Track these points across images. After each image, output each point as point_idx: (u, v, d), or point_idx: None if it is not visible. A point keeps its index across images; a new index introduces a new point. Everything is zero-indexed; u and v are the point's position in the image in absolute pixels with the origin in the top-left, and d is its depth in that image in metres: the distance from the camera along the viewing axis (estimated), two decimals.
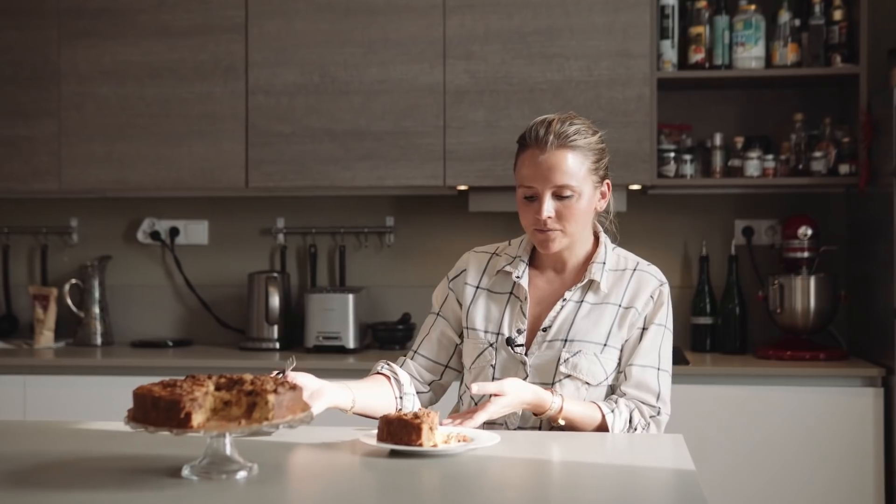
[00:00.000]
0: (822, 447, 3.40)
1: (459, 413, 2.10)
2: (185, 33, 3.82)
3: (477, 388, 2.03)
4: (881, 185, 3.48)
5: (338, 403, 2.04)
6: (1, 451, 1.91)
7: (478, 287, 2.29)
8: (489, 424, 2.11)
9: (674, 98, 3.88)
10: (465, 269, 2.32)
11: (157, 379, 1.75)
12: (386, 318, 4.06)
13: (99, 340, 4.07)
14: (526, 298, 2.23)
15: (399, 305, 4.04)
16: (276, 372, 1.93)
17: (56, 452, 1.89)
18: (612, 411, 2.12)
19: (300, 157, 3.78)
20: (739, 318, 3.80)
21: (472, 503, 1.61)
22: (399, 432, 1.83)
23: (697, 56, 3.73)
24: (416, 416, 1.85)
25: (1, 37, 3.90)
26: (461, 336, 2.30)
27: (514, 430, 2.16)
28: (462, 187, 3.82)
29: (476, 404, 2.16)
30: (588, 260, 2.25)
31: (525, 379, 2.16)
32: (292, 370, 1.98)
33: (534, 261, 2.29)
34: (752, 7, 3.71)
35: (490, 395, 2.04)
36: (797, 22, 3.72)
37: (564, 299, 2.21)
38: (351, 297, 3.86)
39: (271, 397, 1.61)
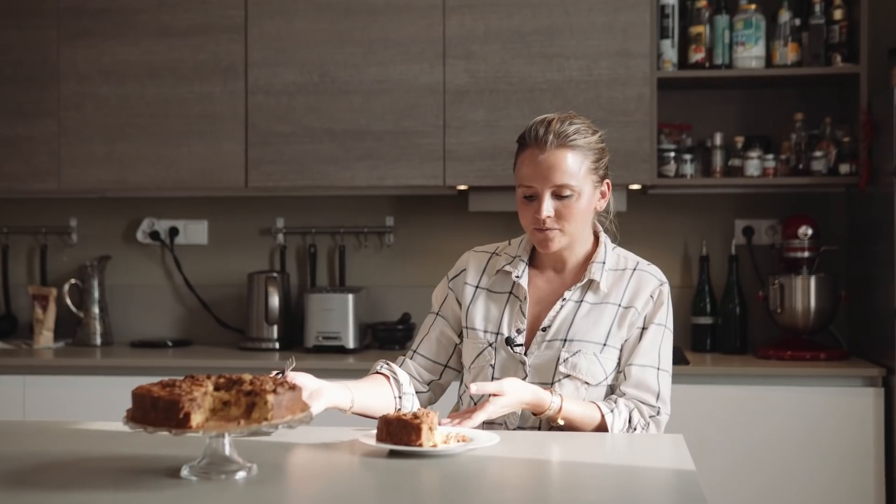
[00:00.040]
0: (823, 447, 3.39)
1: (458, 413, 2.10)
2: (184, 33, 3.81)
3: (476, 387, 2.03)
4: (881, 184, 3.47)
5: (337, 403, 2.04)
6: (0, 452, 1.91)
7: (477, 287, 2.29)
8: (488, 424, 2.11)
9: (674, 98, 3.88)
10: (464, 269, 2.32)
11: (156, 379, 1.74)
12: (386, 318, 4.06)
13: (98, 340, 4.07)
14: (525, 298, 2.23)
15: (399, 305, 4.04)
16: (275, 372, 1.93)
17: (55, 453, 1.89)
18: (612, 411, 2.12)
19: (300, 156, 3.77)
20: (740, 317, 3.80)
21: (471, 503, 1.61)
22: (398, 432, 1.83)
23: (697, 56, 3.73)
24: (415, 416, 1.85)
25: (1, 36, 3.89)
26: (460, 336, 2.30)
27: (514, 430, 2.16)
28: (462, 187, 3.82)
29: (475, 404, 2.16)
30: (588, 259, 2.25)
31: (524, 379, 2.15)
32: (291, 370, 1.98)
33: (534, 260, 2.28)
34: (753, 6, 3.71)
35: (489, 395, 2.03)
36: (797, 21, 3.71)
37: (564, 299, 2.21)
38: (351, 297, 3.86)
39: (270, 397, 1.61)
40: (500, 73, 3.69)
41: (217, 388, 1.65)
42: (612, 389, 2.20)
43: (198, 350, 3.97)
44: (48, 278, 4.25)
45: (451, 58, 3.71)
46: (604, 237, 2.28)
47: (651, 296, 2.21)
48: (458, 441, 1.88)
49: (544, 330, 2.19)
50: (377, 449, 1.86)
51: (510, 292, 2.25)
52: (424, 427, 1.82)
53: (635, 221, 3.79)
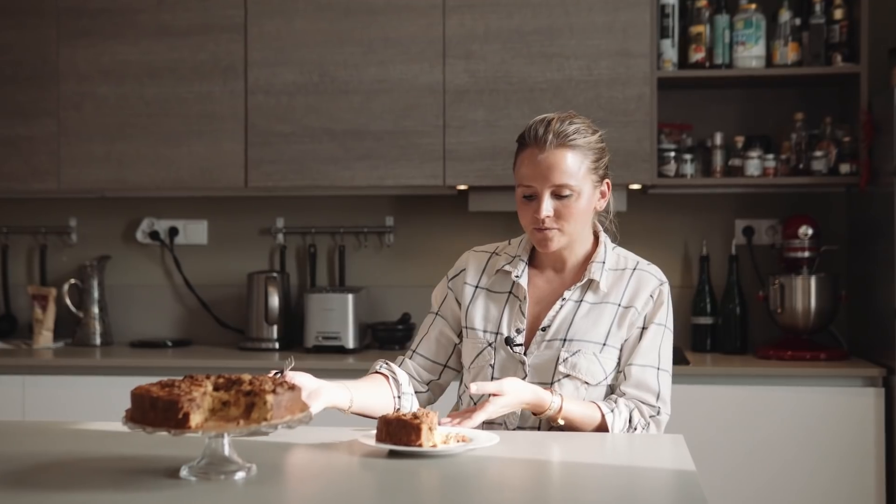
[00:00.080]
0: (823, 447, 3.39)
1: (458, 412, 2.09)
2: (184, 33, 3.81)
3: (476, 387, 2.03)
4: (882, 184, 3.47)
5: (336, 403, 2.04)
6: (0, 452, 1.91)
7: (477, 286, 2.28)
8: (488, 424, 2.11)
9: (674, 97, 3.87)
10: (464, 269, 2.32)
11: (155, 379, 1.74)
12: (385, 318, 4.05)
13: (98, 340, 4.07)
14: (525, 298, 2.23)
15: (399, 305, 4.04)
16: (274, 372, 1.93)
17: (55, 453, 1.89)
18: (612, 411, 2.11)
19: (300, 156, 3.77)
20: (740, 317, 3.80)
21: (471, 503, 1.60)
22: (398, 432, 1.83)
23: (698, 55, 3.73)
24: (415, 416, 1.84)
25: (0, 36, 3.89)
26: (460, 336, 2.30)
27: (513, 430, 2.16)
28: (462, 187, 3.82)
29: (475, 404, 2.15)
30: (588, 259, 2.25)
31: (524, 378, 2.15)
32: (290, 370, 1.98)
33: (533, 260, 2.28)
34: (753, 6, 3.71)
35: (489, 395, 2.03)
36: (798, 21, 3.71)
37: (564, 299, 2.21)
38: (350, 297, 3.86)
39: (270, 397, 1.60)
40: (500, 73, 3.69)
41: (216, 389, 1.65)
42: (611, 389, 2.20)
43: (197, 350, 3.97)
44: (48, 278, 4.24)
45: (451, 58, 3.71)
46: (604, 237, 2.27)
47: (651, 295, 2.20)
48: (458, 441, 1.88)
49: (544, 330, 2.19)
50: (377, 449, 1.85)
51: (510, 292, 2.25)
52: (424, 427, 1.82)
53: (635, 221, 3.79)
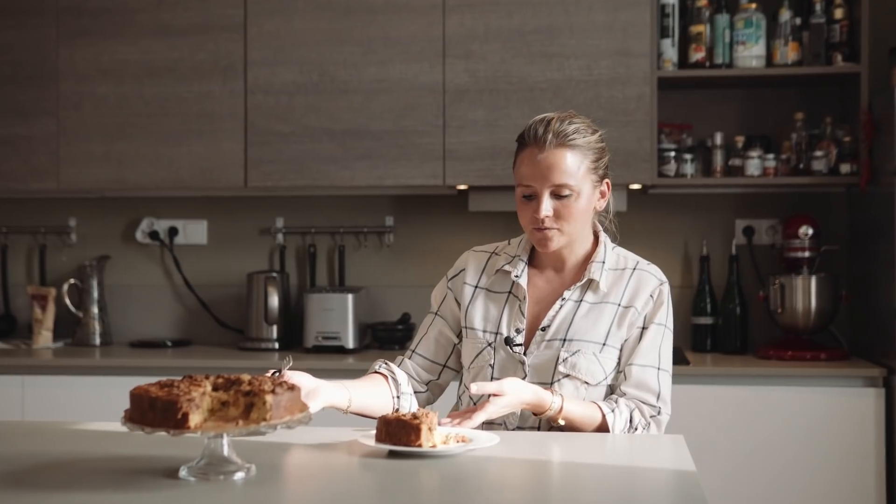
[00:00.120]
0: (823, 448, 3.39)
1: (458, 412, 2.09)
2: (183, 32, 3.81)
3: (476, 387, 2.02)
4: (882, 184, 3.47)
5: (334, 403, 2.03)
6: None
7: (476, 286, 2.28)
8: (488, 424, 2.10)
9: (674, 97, 3.87)
10: (463, 269, 2.31)
11: (155, 379, 1.74)
12: (385, 318, 4.05)
13: (97, 340, 4.07)
14: (525, 298, 2.22)
15: (398, 305, 4.04)
16: (272, 371, 1.92)
17: (54, 453, 1.88)
18: (613, 411, 2.11)
19: (299, 156, 3.77)
20: (740, 317, 3.79)
21: (470, 503, 1.60)
22: (398, 433, 1.82)
23: (698, 55, 3.72)
24: (414, 416, 1.84)
25: None
26: (459, 336, 2.29)
27: (513, 430, 2.15)
28: (462, 187, 3.81)
29: (475, 404, 2.15)
30: (587, 259, 2.24)
31: (524, 378, 2.15)
32: (288, 369, 1.97)
33: (533, 260, 2.28)
34: (753, 6, 3.70)
35: (489, 395, 2.02)
36: (798, 20, 3.71)
37: (563, 298, 2.20)
38: (350, 297, 3.85)
39: (269, 398, 1.60)
40: (500, 73, 3.69)
41: (215, 389, 1.65)
42: (611, 389, 2.19)
43: (197, 350, 3.97)
44: (47, 278, 4.24)
45: (451, 57, 3.71)
46: (603, 237, 2.27)
47: (651, 295, 2.20)
48: (458, 441, 1.88)
49: (544, 329, 2.19)
50: (376, 449, 1.85)
51: (509, 292, 2.25)
52: (424, 427, 1.81)
53: (635, 221, 3.79)
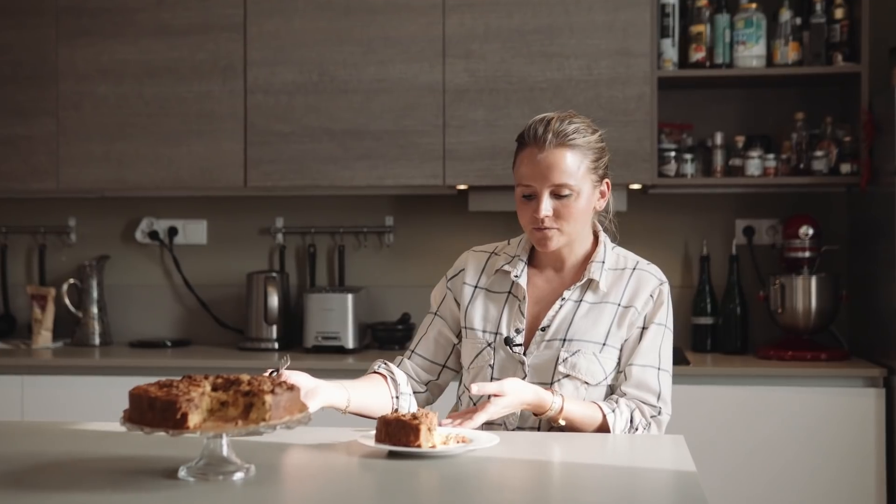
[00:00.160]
0: (824, 448, 3.38)
1: (459, 413, 2.09)
2: (183, 32, 3.81)
3: (477, 388, 2.02)
4: (882, 184, 3.46)
5: (333, 403, 2.03)
6: None
7: (476, 286, 2.28)
8: (487, 425, 2.10)
9: (674, 97, 3.87)
10: (463, 269, 2.31)
11: (154, 379, 1.73)
12: (385, 318, 4.05)
13: (97, 340, 4.06)
14: (524, 298, 2.22)
15: (398, 305, 4.03)
16: (269, 371, 1.92)
17: (53, 453, 1.88)
18: (613, 411, 2.11)
19: (299, 156, 3.76)
20: (740, 318, 3.79)
21: None
22: (397, 433, 1.82)
23: (698, 55, 3.72)
24: (414, 416, 1.84)
25: None
26: (459, 336, 2.29)
27: (513, 430, 2.15)
28: (462, 187, 3.81)
29: (475, 404, 2.15)
30: (587, 259, 2.24)
31: (524, 379, 2.14)
32: (286, 368, 1.97)
33: (533, 260, 2.27)
34: (753, 5, 3.70)
35: (490, 396, 2.02)
36: (798, 20, 3.70)
37: (563, 298, 2.20)
38: (350, 296, 3.85)
39: (268, 398, 1.60)
40: (500, 73, 3.68)
41: (215, 389, 1.65)
42: (611, 389, 2.19)
43: (197, 350, 3.96)
44: (47, 278, 4.24)
45: (451, 57, 3.70)
46: (603, 237, 2.27)
47: (651, 295, 2.20)
48: (458, 442, 1.87)
49: (543, 330, 2.18)
50: (376, 450, 1.85)
51: (509, 292, 2.24)
52: (423, 428, 1.81)
53: (636, 221, 3.79)
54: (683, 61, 3.75)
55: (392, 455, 1.82)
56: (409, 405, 2.22)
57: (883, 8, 3.78)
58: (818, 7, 3.68)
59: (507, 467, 1.79)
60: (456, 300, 2.29)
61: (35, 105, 3.87)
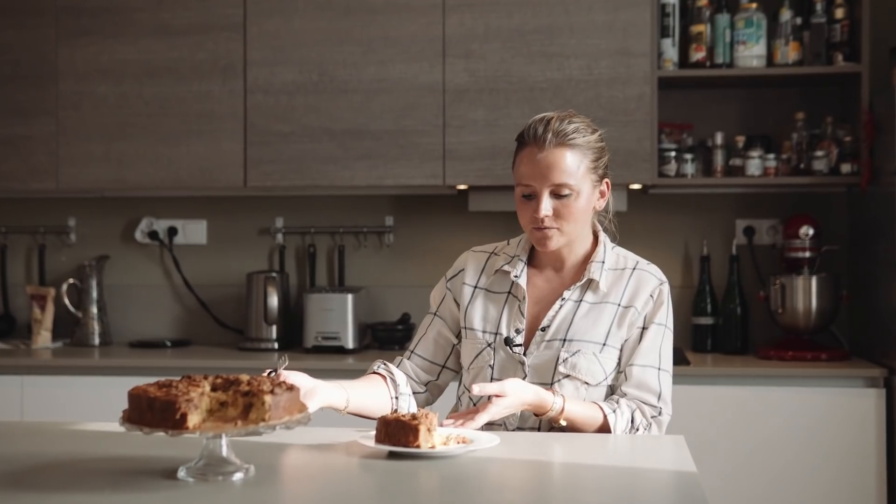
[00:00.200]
0: (824, 448, 3.38)
1: (459, 413, 2.08)
2: (183, 32, 3.80)
3: (478, 389, 2.02)
4: (883, 184, 3.46)
5: (332, 403, 2.02)
6: None
7: (476, 287, 2.27)
8: (488, 425, 2.09)
9: (674, 97, 3.86)
10: (463, 269, 2.31)
11: (154, 379, 1.73)
12: (385, 318, 4.04)
13: (97, 340, 4.06)
14: (524, 298, 2.22)
15: (398, 305, 4.03)
16: (268, 371, 1.92)
17: (52, 453, 1.88)
18: (614, 412, 2.10)
19: (299, 156, 3.76)
20: (740, 318, 3.79)
21: None
22: (397, 434, 1.82)
23: (698, 55, 3.72)
24: (414, 417, 1.83)
25: None
26: (458, 336, 2.29)
27: (513, 430, 2.15)
28: (462, 187, 3.81)
29: (475, 405, 2.14)
30: (587, 259, 2.24)
31: (524, 379, 2.14)
32: (284, 368, 1.97)
33: (533, 260, 2.27)
34: (754, 5, 3.70)
35: (491, 396, 2.02)
36: (799, 20, 3.70)
37: (563, 298, 2.20)
38: (350, 297, 3.85)
39: (268, 398, 1.60)
40: (500, 73, 3.68)
41: (214, 389, 1.64)
42: (612, 390, 2.19)
43: (196, 350, 3.96)
44: (46, 278, 4.23)
45: (451, 57, 3.70)
46: (603, 236, 2.26)
47: (651, 295, 2.20)
48: (458, 442, 1.87)
49: (543, 330, 2.18)
50: (376, 450, 1.85)
51: (509, 292, 2.24)
52: (423, 429, 1.81)
53: (636, 221, 3.78)
54: (684, 61, 3.75)
55: (392, 455, 1.82)
56: (408, 406, 2.21)
57: (883, 8, 3.78)
58: (818, 7, 3.68)
59: (508, 468, 1.79)
60: (455, 300, 2.29)
61: (35, 105, 3.87)
